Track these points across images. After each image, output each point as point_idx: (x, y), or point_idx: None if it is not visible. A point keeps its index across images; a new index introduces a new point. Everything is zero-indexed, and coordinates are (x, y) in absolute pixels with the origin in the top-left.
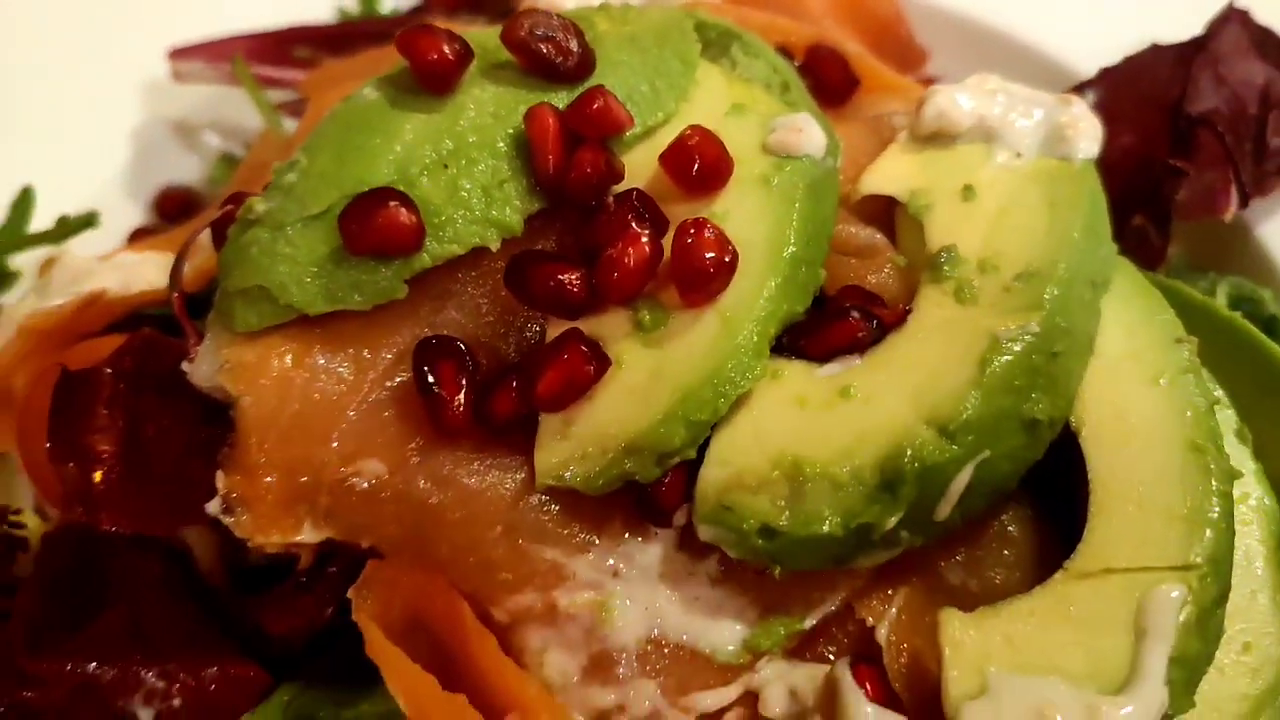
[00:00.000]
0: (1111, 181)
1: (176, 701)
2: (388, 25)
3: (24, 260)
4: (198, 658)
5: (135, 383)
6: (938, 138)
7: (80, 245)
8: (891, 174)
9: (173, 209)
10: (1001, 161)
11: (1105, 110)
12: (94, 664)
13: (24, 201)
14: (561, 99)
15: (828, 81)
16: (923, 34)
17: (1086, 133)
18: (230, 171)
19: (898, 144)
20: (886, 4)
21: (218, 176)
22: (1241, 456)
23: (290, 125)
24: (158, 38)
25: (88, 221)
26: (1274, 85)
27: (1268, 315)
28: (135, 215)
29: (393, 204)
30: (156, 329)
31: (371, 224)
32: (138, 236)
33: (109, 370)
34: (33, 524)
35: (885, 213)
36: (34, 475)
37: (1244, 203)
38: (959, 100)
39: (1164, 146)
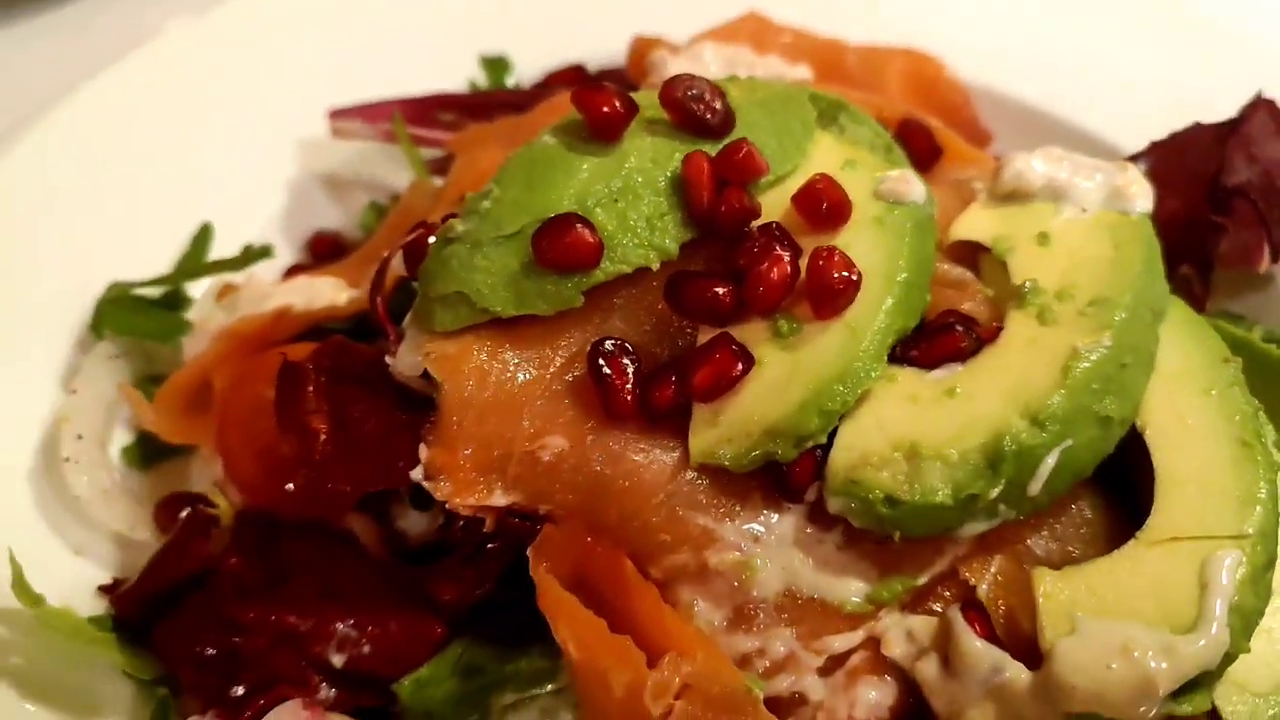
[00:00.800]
0: (1161, 238)
1: (366, 649)
2: (518, 97)
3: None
4: (384, 612)
5: (334, 376)
6: (1014, 196)
7: (241, 277)
8: (976, 224)
9: (324, 250)
10: (1070, 215)
11: (1154, 178)
12: (293, 615)
13: (203, 236)
14: (709, 149)
15: (916, 150)
16: (986, 118)
17: (1141, 192)
18: (377, 218)
19: (978, 202)
20: (955, 91)
21: (367, 222)
22: None
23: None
24: (314, 101)
25: (265, 252)
26: None
27: None
28: (288, 255)
29: (579, 226)
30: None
31: (561, 242)
32: (293, 272)
33: (310, 366)
34: (222, 505)
35: (971, 258)
36: (227, 463)
37: (1275, 257)
38: (1032, 164)
39: (1205, 211)
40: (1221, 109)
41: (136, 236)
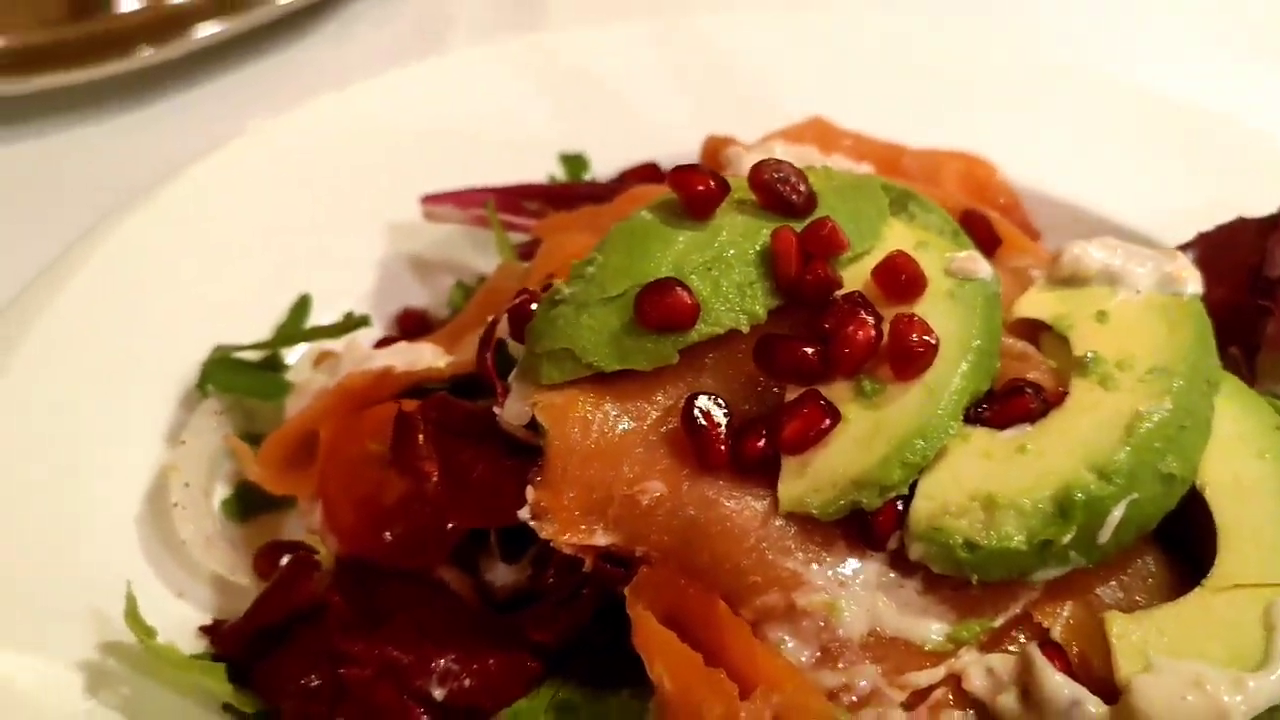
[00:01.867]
0: (1210, 321)
1: (466, 682)
2: (598, 189)
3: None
4: (482, 649)
5: (440, 427)
6: (1072, 280)
7: (338, 345)
8: (1037, 304)
9: (411, 326)
10: (1125, 297)
11: (1201, 267)
12: (395, 649)
13: (302, 306)
14: (795, 226)
15: (978, 238)
16: (1035, 217)
17: (1191, 277)
18: (465, 297)
19: (1037, 285)
20: (1006, 192)
21: (454, 300)
22: None
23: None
24: (402, 190)
25: (363, 321)
26: None
27: None
28: (378, 330)
29: (679, 289)
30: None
31: (662, 303)
32: (386, 342)
33: (419, 416)
34: (322, 552)
35: (1032, 336)
36: (328, 511)
37: None
38: (1090, 250)
39: (1250, 298)
40: (1255, 209)
41: (238, 308)
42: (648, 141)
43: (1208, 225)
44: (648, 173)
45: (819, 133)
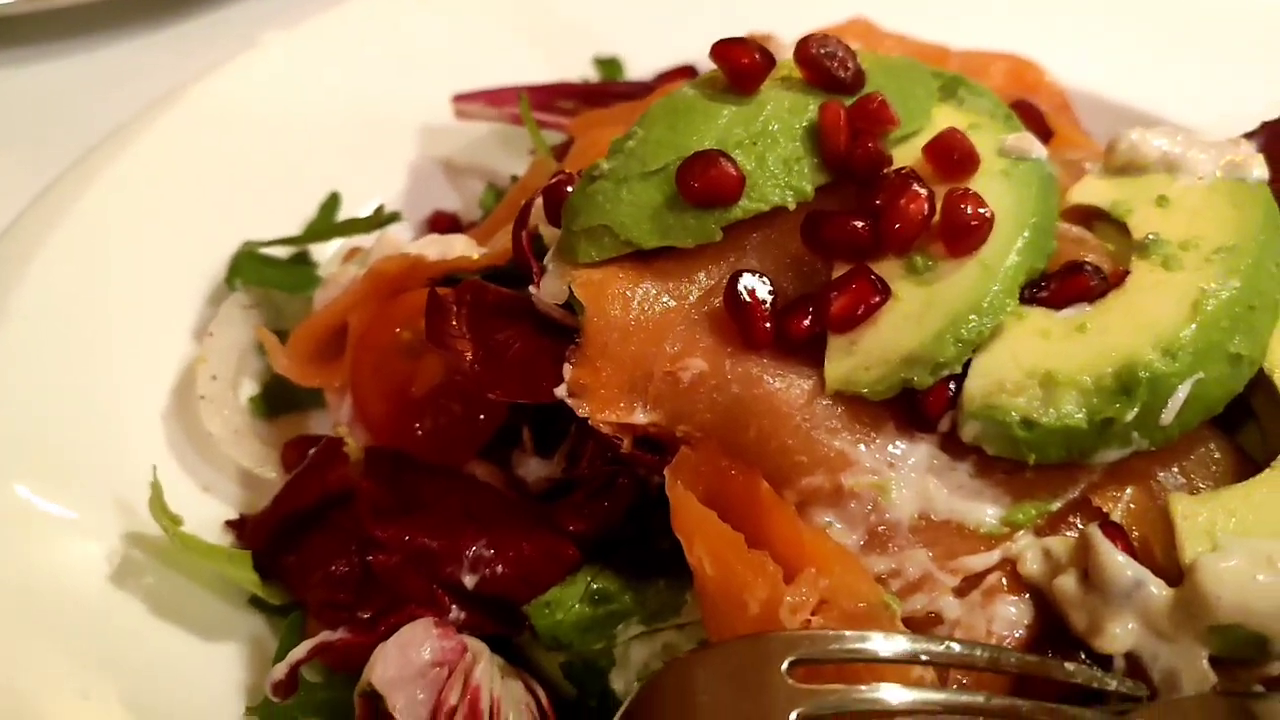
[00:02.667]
0: None
1: (499, 569)
2: (633, 88)
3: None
4: (516, 534)
5: (476, 310)
6: (1128, 169)
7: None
8: (1093, 191)
9: (442, 227)
10: (1186, 183)
11: (1266, 154)
12: (426, 535)
13: (332, 203)
14: (845, 102)
15: (1030, 128)
16: (1085, 121)
17: (1256, 163)
18: (496, 199)
19: (1093, 174)
20: (1055, 93)
21: (485, 202)
22: None
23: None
24: (433, 93)
25: (394, 217)
26: None
27: None
28: (408, 234)
29: (724, 162)
30: None
31: (705, 176)
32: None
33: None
34: (351, 444)
35: (1086, 224)
36: (358, 402)
37: None
38: (1147, 137)
39: None
40: None
41: (267, 207)
42: (683, 46)
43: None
44: (685, 74)
45: (861, 33)
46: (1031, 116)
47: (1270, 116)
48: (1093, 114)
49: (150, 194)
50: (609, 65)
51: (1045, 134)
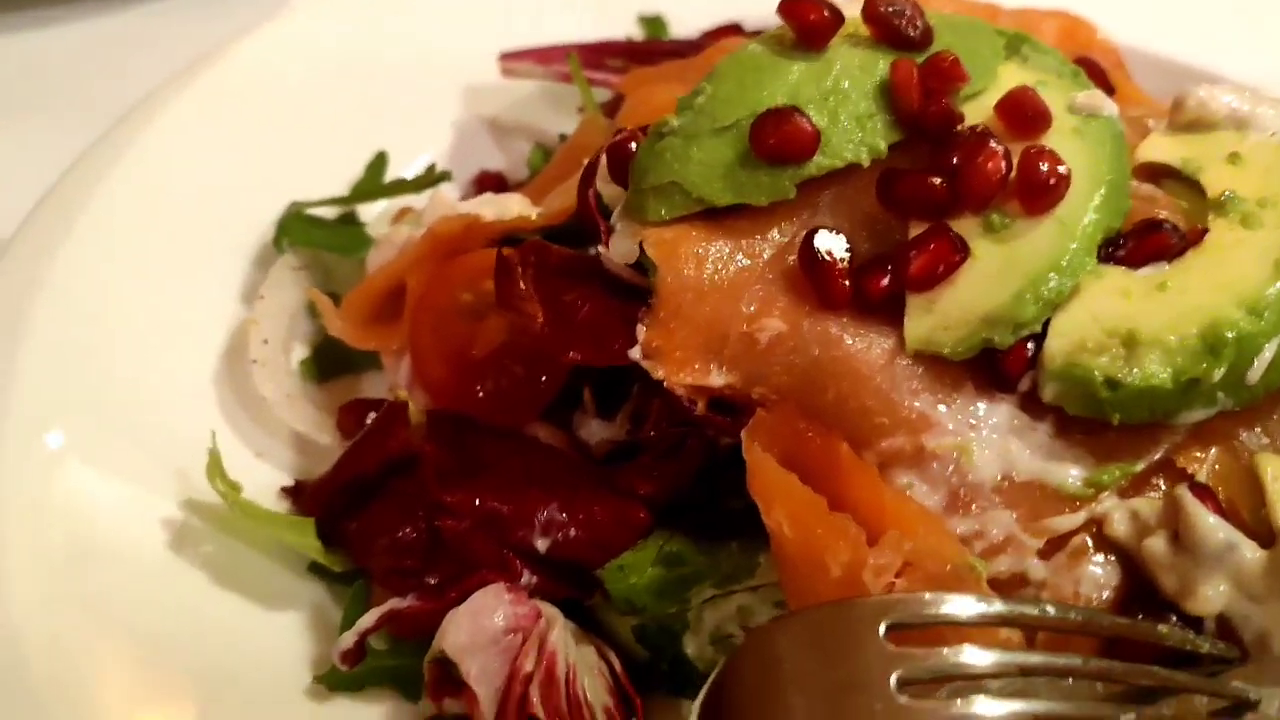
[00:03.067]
0: None
1: (572, 532)
2: (681, 46)
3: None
4: (588, 498)
5: (541, 271)
6: (1196, 125)
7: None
8: (1162, 148)
9: (490, 186)
10: (1259, 139)
11: None
12: (496, 498)
13: (379, 163)
14: (916, 60)
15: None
16: (1141, 80)
17: None
18: (544, 159)
19: (1158, 131)
20: (1109, 50)
21: (534, 161)
22: None
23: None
24: (479, 50)
25: (445, 176)
26: None
27: None
28: (454, 191)
29: (798, 117)
30: None
31: (779, 132)
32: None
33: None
34: (411, 408)
35: (1156, 182)
36: (417, 365)
37: None
38: (1216, 94)
39: None
40: None
41: (313, 168)
42: (725, 4)
43: None
44: (732, 31)
45: None
46: (1095, 73)
47: None
48: (1145, 72)
49: (193, 155)
50: (653, 24)
51: (1108, 91)
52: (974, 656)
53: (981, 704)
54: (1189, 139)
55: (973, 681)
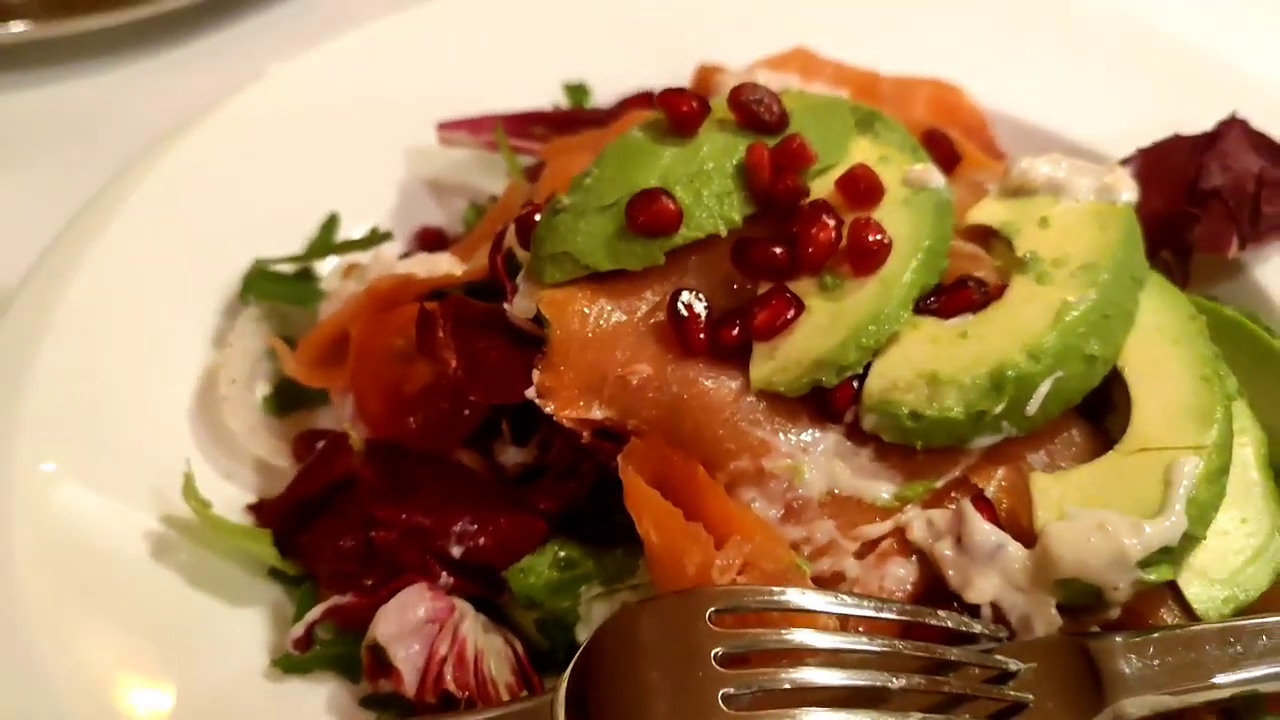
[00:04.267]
0: (1146, 230)
1: (481, 541)
2: (599, 115)
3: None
4: (495, 513)
5: (458, 322)
6: (1020, 191)
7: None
8: (988, 212)
9: (430, 241)
10: (1066, 205)
11: (1140, 180)
12: (419, 514)
13: (331, 223)
14: (768, 142)
15: (939, 156)
16: (1001, 139)
17: (1126, 187)
18: (477, 217)
19: (990, 196)
20: (975, 115)
21: (468, 219)
22: (1241, 405)
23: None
24: (417, 120)
25: (387, 236)
26: (1266, 173)
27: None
28: (399, 248)
29: (665, 198)
30: None
31: (649, 210)
32: (404, 257)
33: (439, 313)
34: (353, 437)
35: (984, 241)
36: (358, 401)
37: (1243, 245)
38: (1036, 164)
39: (1184, 208)
40: (1194, 126)
41: (274, 228)
42: (645, 71)
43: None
44: (644, 100)
45: (802, 62)
46: (941, 145)
47: (1160, 133)
48: (1011, 134)
49: (171, 219)
50: (576, 91)
51: (953, 158)
52: (791, 635)
53: (792, 674)
54: (1013, 204)
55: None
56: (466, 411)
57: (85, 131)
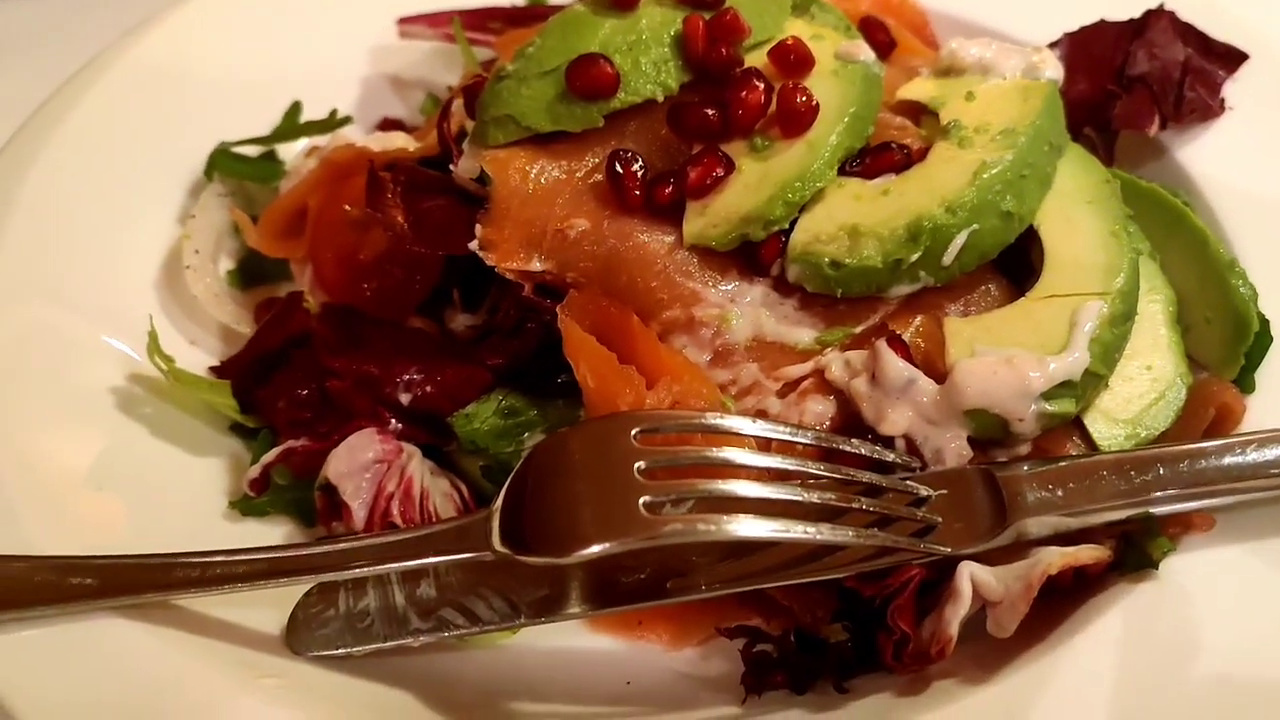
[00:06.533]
0: (1071, 110)
1: (428, 389)
2: (553, 10)
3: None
4: (443, 363)
5: (408, 186)
6: (950, 71)
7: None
8: (918, 89)
9: (390, 129)
10: (994, 82)
11: (1067, 63)
12: (370, 364)
13: (294, 110)
14: (705, 16)
15: (875, 41)
16: (940, 33)
17: (1050, 65)
18: (435, 106)
19: (921, 75)
20: (915, 10)
21: (426, 108)
22: (1153, 266)
23: None
24: (382, 12)
25: (347, 120)
26: (1191, 60)
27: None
28: (359, 134)
29: (603, 62)
30: None
31: (588, 73)
32: None
33: (389, 177)
34: (311, 302)
35: (913, 116)
36: (316, 268)
37: (1164, 125)
38: (966, 44)
39: (1109, 92)
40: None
41: (237, 120)
42: None
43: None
44: None
45: None
46: (877, 30)
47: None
48: (952, 32)
49: (141, 105)
50: None
51: (889, 44)
52: (709, 453)
53: (710, 485)
54: (942, 82)
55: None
56: (419, 277)
57: (50, 36)
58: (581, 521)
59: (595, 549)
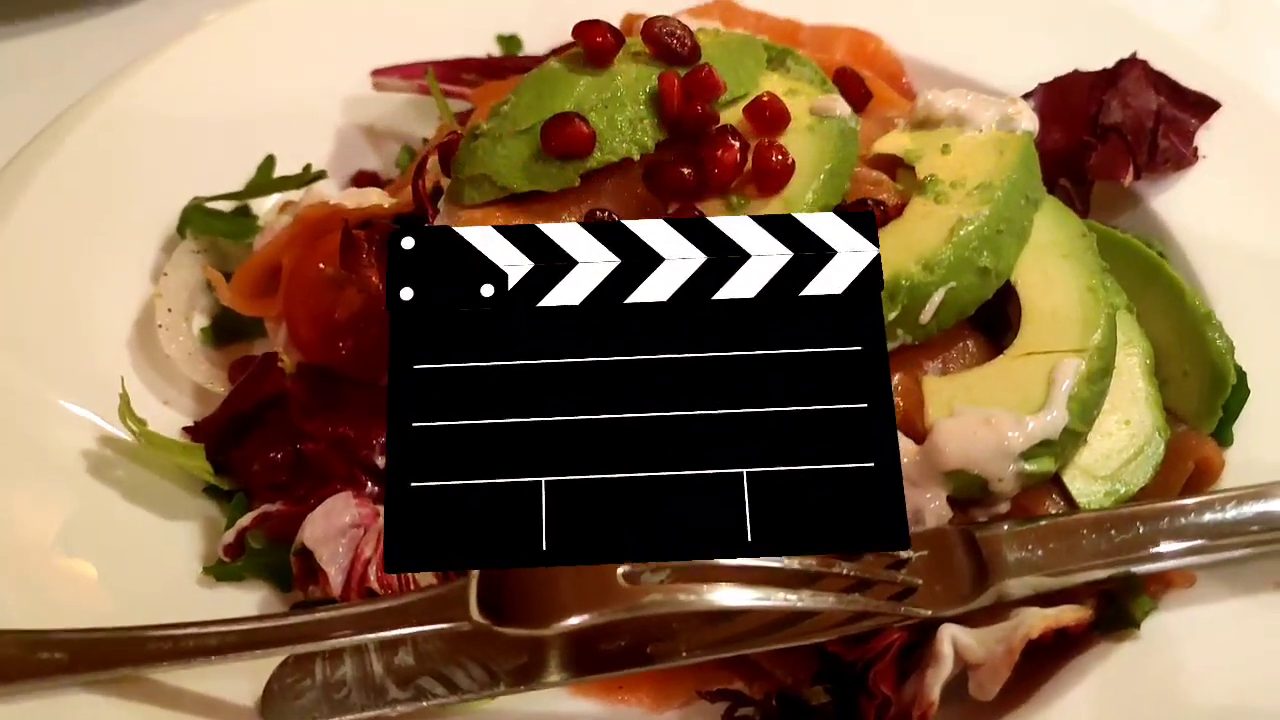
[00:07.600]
0: (1046, 161)
1: None
2: (528, 62)
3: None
4: None
5: (381, 244)
6: (926, 123)
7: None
8: (894, 142)
9: (364, 184)
10: (969, 135)
11: (1041, 114)
12: (345, 426)
13: (268, 164)
14: (680, 72)
15: (851, 94)
16: (917, 84)
17: (1026, 117)
18: (410, 159)
19: (897, 128)
20: (892, 61)
21: (401, 161)
22: (1128, 318)
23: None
24: (356, 63)
25: (321, 175)
26: (1164, 109)
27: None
28: (334, 188)
29: (578, 121)
30: None
31: (563, 133)
32: None
33: (364, 237)
34: (286, 361)
35: (890, 170)
36: (290, 327)
37: (1138, 175)
38: (942, 96)
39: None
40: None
41: (211, 174)
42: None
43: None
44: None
45: (723, 11)
46: (853, 82)
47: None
48: (929, 82)
49: (114, 159)
50: (509, 42)
51: (865, 95)
52: None
53: None
54: (918, 134)
55: None
56: None
57: (24, 84)
58: (560, 591)
59: (574, 620)
